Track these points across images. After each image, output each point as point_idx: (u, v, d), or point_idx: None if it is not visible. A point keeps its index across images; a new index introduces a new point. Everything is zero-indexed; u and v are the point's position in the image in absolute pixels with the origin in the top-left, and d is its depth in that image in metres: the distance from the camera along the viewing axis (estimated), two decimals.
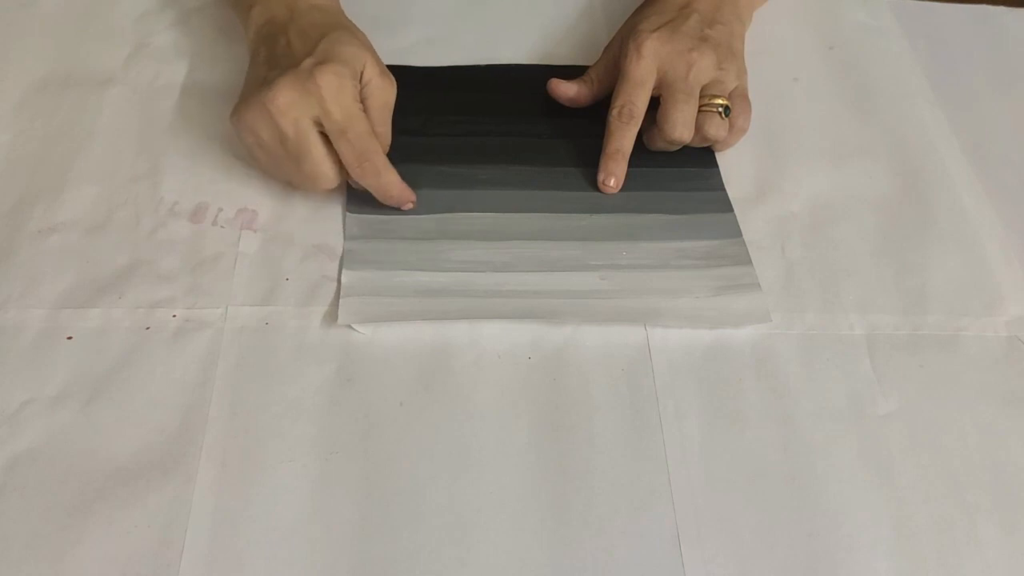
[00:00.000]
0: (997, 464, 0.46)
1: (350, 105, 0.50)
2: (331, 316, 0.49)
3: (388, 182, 0.52)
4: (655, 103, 0.56)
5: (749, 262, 0.53)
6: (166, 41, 0.63)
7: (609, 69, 0.58)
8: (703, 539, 0.42)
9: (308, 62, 0.50)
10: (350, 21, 0.56)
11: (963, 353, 0.50)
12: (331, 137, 0.50)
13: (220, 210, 0.54)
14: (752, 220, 0.55)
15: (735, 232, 0.55)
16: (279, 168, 0.52)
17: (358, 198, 0.54)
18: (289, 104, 0.49)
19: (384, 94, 0.53)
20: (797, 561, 0.42)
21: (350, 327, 0.48)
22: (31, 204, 0.53)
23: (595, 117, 0.58)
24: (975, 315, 0.52)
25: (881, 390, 0.48)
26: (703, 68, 0.55)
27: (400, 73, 0.63)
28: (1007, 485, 0.45)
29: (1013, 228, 0.56)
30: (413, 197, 0.53)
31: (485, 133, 0.59)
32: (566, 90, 0.60)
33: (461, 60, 0.64)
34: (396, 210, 0.54)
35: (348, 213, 0.54)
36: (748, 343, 0.50)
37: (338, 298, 0.49)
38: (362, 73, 0.51)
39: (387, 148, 0.53)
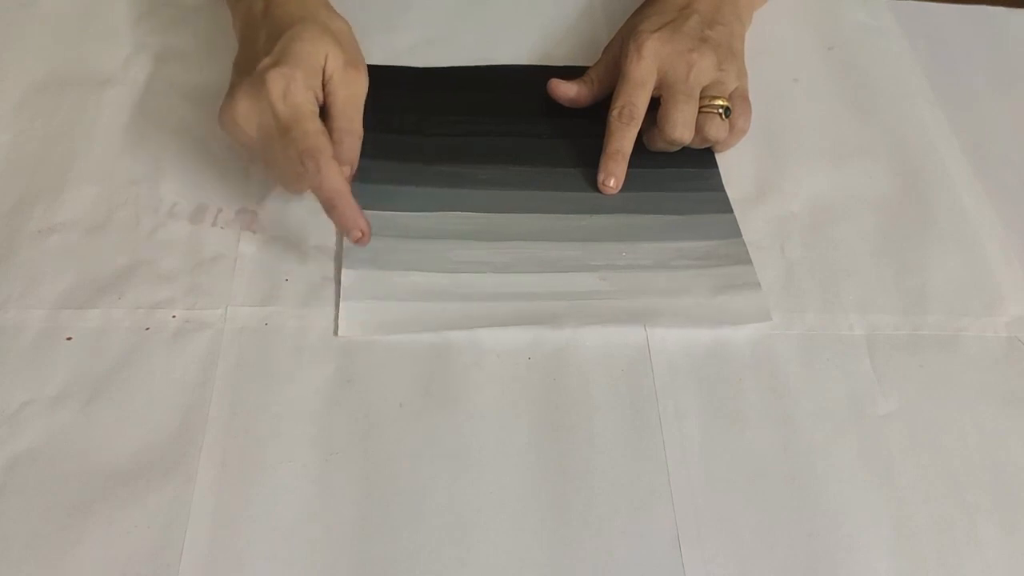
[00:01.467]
0: (997, 464, 0.46)
1: (298, 104, 0.49)
2: (331, 317, 0.49)
3: (329, 187, 0.47)
4: (655, 103, 0.56)
5: (749, 262, 0.53)
6: (166, 41, 0.63)
7: (609, 69, 0.58)
8: (703, 539, 0.42)
9: (263, 64, 0.50)
10: (328, 8, 0.55)
11: (963, 353, 0.50)
12: (280, 137, 0.49)
13: (220, 211, 0.54)
14: (752, 220, 0.55)
15: (735, 232, 0.55)
16: (264, 166, 0.52)
17: (358, 198, 0.54)
18: (248, 110, 0.49)
19: (348, 87, 0.51)
20: (797, 561, 0.42)
21: (349, 336, 0.48)
22: (31, 204, 0.53)
23: (595, 117, 0.58)
24: (975, 315, 0.52)
25: (881, 390, 0.48)
26: (704, 69, 0.55)
27: (400, 73, 0.63)
28: (1007, 485, 0.45)
29: (1013, 228, 0.56)
30: (363, 226, 0.49)
31: (485, 133, 0.59)
32: (566, 91, 0.60)
33: (461, 60, 0.64)
34: (396, 209, 0.54)
35: None
36: (748, 343, 0.50)
37: (338, 299, 0.49)
38: (324, 68, 0.51)
39: (358, 140, 0.52)
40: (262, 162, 0.52)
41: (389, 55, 0.64)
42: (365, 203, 0.53)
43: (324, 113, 0.51)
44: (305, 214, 0.54)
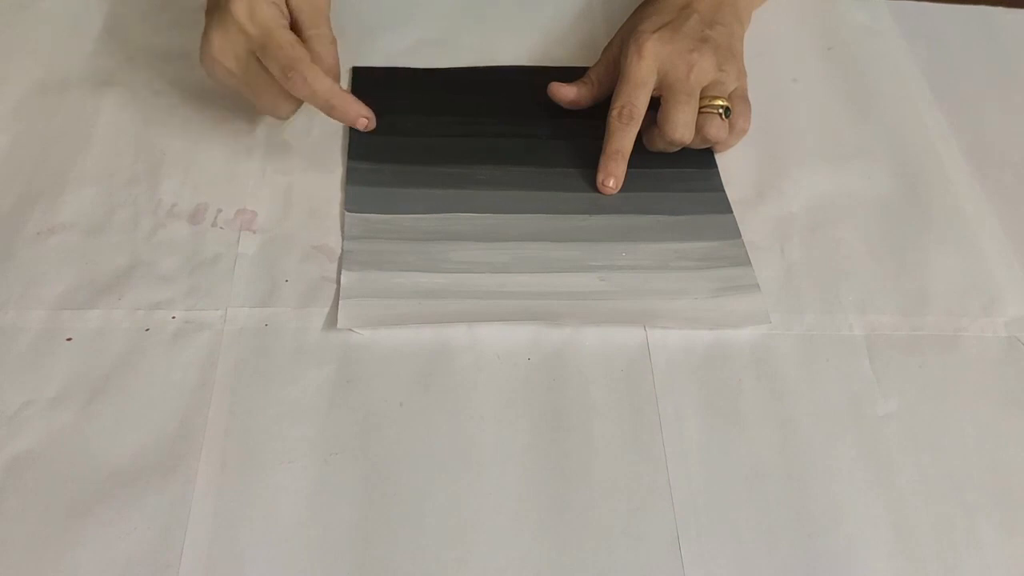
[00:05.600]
0: (997, 464, 0.46)
1: (265, 20, 0.50)
2: (331, 317, 0.49)
3: (321, 90, 0.50)
4: (655, 104, 0.56)
5: (748, 263, 0.53)
6: (165, 42, 0.63)
7: (609, 70, 0.58)
8: (703, 539, 0.42)
9: None
10: None
11: (963, 353, 0.50)
12: (260, 59, 0.50)
13: (219, 211, 0.54)
14: (751, 221, 0.56)
15: (734, 233, 0.55)
16: (251, 99, 0.53)
17: (357, 198, 0.54)
18: (222, 43, 0.50)
19: (309, 1, 0.52)
20: (797, 561, 0.42)
21: (349, 329, 0.48)
22: (31, 205, 0.53)
23: (595, 118, 0.58)
24: (974, 315, 0.52)
25: (880, 390, 0.48)
26: (704, 69, 0.55)
27: (400, 74, 0.63)
28: (1007, 485, 0.45)
29: (1012, 229, 0.56)
30: (365, 112, 0.52)
31: (484, 134, 0.59)
32: (566, 93, 0.60)
33: (461, 61, 0.64)
34: (395, 210, 0.54)
35: (347, 213, 0.54)
36: (747, 344, 0.50)
37: (337, 299, 0.49)
38: None
39: (332, 45, 0.53)
40: (248, 94, 0.53)
41: (389, 55, 0.64)
42: (365, 206, 0.54)
43: (293, 28, 0.52)
44: (304, 214, 0.54)
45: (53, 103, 0.59)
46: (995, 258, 0.55)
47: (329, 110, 0.51)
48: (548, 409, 0.46)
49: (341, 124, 0.57)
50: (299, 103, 0.53)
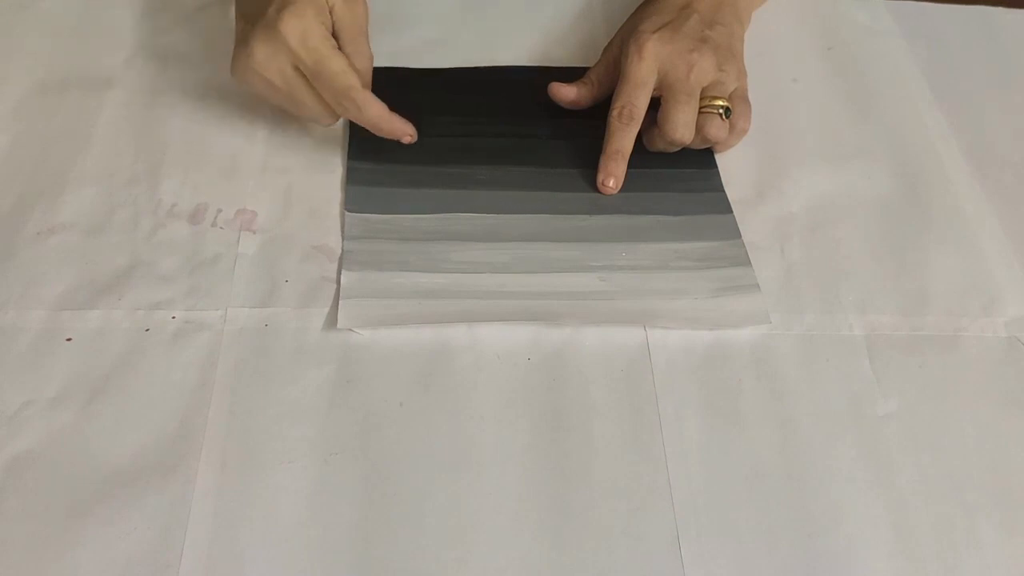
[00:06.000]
0: (997, 464, 0.46)
1: (318, 45, 0.50)
2: (331, 317, 0.49)
3: (372, 115, 0.52)
4: (655, 104, 0.56)
5: (748, 263, 0.53)
6: (165, 42, 0.63)
7: (609, 70, 0.58)
8: (703, 539, 0.42)
9: (272, 9, 0.50)
10: None
11: (963, 353, 0.50)
12: (310, 81, 0.51)
13: (219, 211, 0.54)
14: (751, 221, 0.55)
15: (734, 233, 0.55)
16: (290, 110, 0.54)
17: (357, 198, 0.54)
18: (267, 58, 0.50)
19: (351, 17, 0.53)
20: (797, 561, 0.42)
21: (349, 329, 0.48)
22: (31, 205, 0.53)
23: (595, 118, 0.58)
24: (974, 316, 0.52)
25: (880, 391, 0.48)
26: (704, 69, 0.55)
27: (400, 74, 0.63)
28: (1007, 485, 0.45)
29: (1012, 229, 0.56)
30: (410, 130, 0.54)
31: (484, 134, 0.59)
32: (567, 93, 0.60)
33: (461, 61, 0.64)
34: (396, 210, 0.54)
35: (347, 213, 0.54)
36: (747, 344, 0.50)
37: (337, 299, 0.49)
38: (327, 1, 0.52)
39: (370, 63, 0.54)
40: (289, 107, 0.54)
41: (389, 55, 0.63)
42: (364, 206, 0.54)
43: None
44: (304, 214, 0.54)
45: (53, 103, 0.59)
46: (995, 258, 0.55)
47: (377, 131, 0.53)
48: (548, 409, 0.46)
49: (341, 124, 0.57)
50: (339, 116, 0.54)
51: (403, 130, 0.54)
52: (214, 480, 0.43)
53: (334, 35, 0.52)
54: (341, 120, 0.57)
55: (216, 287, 0.50)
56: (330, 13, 0.52)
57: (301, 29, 0.50)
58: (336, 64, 0.51)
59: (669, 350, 0.49)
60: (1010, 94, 0.66)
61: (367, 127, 0.53)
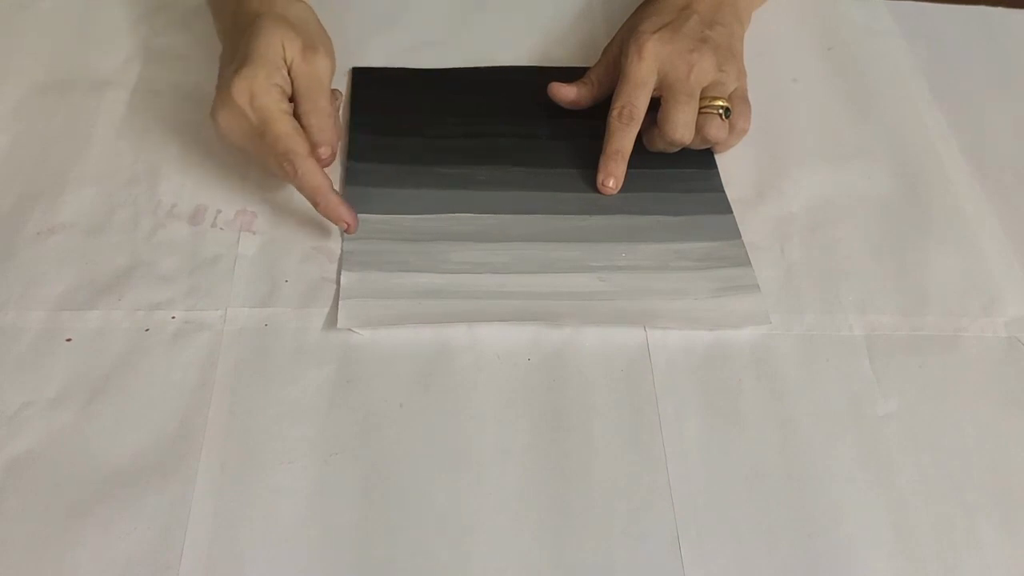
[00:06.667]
0: (997, 464, 0.46)
1: (264, 106, 0.50)
2: (331, 317, 0.49)
3: (309, 186, 0.49)
4: (655, 104, 0.56)
5: (748, 263, 0.53)
6: (165, 43, 0.63)
7: (609, 70, 0.58)
8: (703, 539, 0.42)
9: (229, 71, 0.51)
10: None
11: (963, 353, 0.50)
12: (259, 140, 0.50)
13: (219, 212, 0.54)
14: (751, 221, 0.55)
15: (734, 233, 0.55)
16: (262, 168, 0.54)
17: (357, 199, 0.54)
18: (227, 122, 0.51)
19: (309, 69, 0.52)
20: (797, 561, 0.42)
21: (349, 328, 0.48)
22: (31, 205, 0.53)
23: (595, 118, 0.58)
24: (974, 316, 0.52)
25: (881, 391, 0.48)
26: (704, 69, 0.55)
27: (400, 74, 0.63)
28: (1007, 485, 0.45)
29: (1012, 229, 0.56)
30: (349, 219, 0.51)
31: (484, 134, 0.59)
32: (567, 93, 0.59)
33: (461, 62, 0.64)
34: (395, 211, 0.54)
35: None
36: (747, 344, 0.50)
37: (337, 300, 0.49)
38: (284, 57, 0.51)
39: (328, 118, 0.52)
40: (257, 162, 0.53)
41: (389, 56, 0.64)
42: (364, 206, 0.53)
43: (292, 98, 0.52)
44: (304, 215, 0.54)
45: (53, 103, 0.59)
46: (995, 258, 0.55)
47: (314, 205, 0.51)
48: (548, 409, 0.46)
49: (341, 124, 0.57)
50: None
51: (339, 215, 0.50)
52: (214, 480, 0.43)
53: (293, 88, 0.52)
54: (341, 120, 0.57)
55: (216, 287, 0.50)
56: (288, 71, 0.51)
57: (248, 90, 0.50)
58: (279, 127, 0.49)
59: (669, 350, 0.49)
60: (1010, 94, 0.66)
61: (307, 198, 0.51)
